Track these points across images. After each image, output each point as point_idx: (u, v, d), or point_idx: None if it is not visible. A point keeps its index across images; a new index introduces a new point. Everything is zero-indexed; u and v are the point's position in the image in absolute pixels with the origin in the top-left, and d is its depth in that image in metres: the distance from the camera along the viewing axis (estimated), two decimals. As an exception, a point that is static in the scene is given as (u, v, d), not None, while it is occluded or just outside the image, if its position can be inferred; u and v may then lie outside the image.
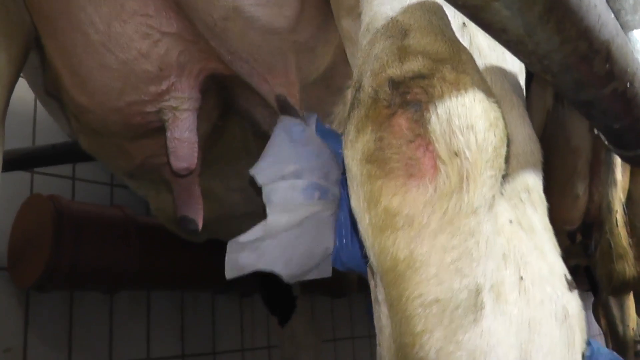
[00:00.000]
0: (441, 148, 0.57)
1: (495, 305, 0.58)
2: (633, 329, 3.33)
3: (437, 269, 0.56)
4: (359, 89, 0.64)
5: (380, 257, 0.58)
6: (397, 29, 0.65)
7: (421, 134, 0.58)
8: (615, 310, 3.34)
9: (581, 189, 2.45)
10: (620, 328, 3.33)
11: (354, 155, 0.62)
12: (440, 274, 0.56)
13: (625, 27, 1.02)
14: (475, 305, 0.56)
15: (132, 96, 1.32)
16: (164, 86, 1.31)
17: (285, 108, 1.29)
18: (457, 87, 0.59)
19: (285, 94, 1.29)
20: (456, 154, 0.57)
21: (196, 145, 1.36)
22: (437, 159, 0.58)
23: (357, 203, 0.61)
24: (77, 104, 1.38)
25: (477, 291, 0.56)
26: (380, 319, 0.63)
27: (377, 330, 0.65)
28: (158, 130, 1.40)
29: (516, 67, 0.81)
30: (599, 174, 2.47)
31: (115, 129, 1.42)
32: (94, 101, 1.34)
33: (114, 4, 1.23)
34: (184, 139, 1.34)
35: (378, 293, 0.62)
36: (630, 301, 3.30)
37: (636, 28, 1.05)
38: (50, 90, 1.55)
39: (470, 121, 0.58)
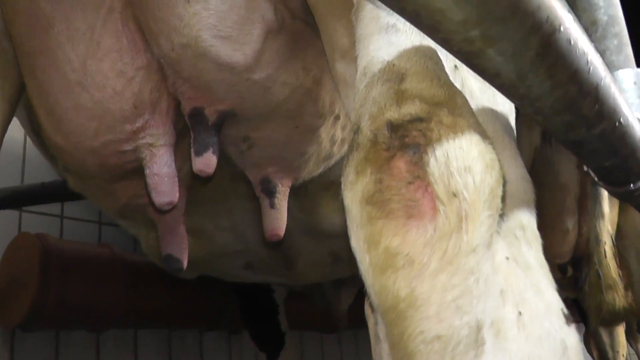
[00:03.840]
0: (440, 189, 0.59)
1: (496, 341, 0.59)
2: (623, 355, 3.33)
3: (438, 307, 0.57)
4: (357, 131, 0.66)
5: (381, 296, 0.59)
6: (393, 73, 0.67)
7: (420, 175, 0.60)
8: (605, 337, 3.35)
9: (570, 223, 2.48)
10: (610, 355, 3.34)
11: (353, 196, 0.63)
12: (442, 312, 0.57)
13: (611, 67, 1.05)
14: (476, 341, 0.57)
15: (108, 136, 1.31)
16: (139, 124, 1.31)
17: (197, 119, 1.31)
18: (454, 130, 0.61)
19: (204, 107, 1.31)
20: (455, 195, 0.59)
21: (176, 180, 1.36)
22: (436, 200, 0.59)
23: (357, 244, 0.63)
24: (53, 144, 1.38)
25: (478, 328, 0.57)
26: (381, 356, 0.64)
27: (378, 368, 0.66)
28: (137, 171, 1.40)
29: (507, 109, 0.83)
30: (587, 209, 2.51)
31: (92, 171, 1.41)
32: (69, 142, 1.33)
33: (90, 41, 1.24)
34: (163, 175, 1.34)
35: (379, 330, 0.63)
36: (620, 328, 3.31)
37: (621, 68, 1.08)
38: (36, 129, 1.56)
39: (468, 163, 0.60)
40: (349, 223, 0.65)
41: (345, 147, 1.52)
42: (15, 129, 1.86)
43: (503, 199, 0.63)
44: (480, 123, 0.65)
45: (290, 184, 1.53)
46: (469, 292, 0.57)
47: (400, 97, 0.64)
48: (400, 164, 0.60)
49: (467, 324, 0.57)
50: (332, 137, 1.48)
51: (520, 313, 0.63)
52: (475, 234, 0.58)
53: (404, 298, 0.58)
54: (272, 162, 1.48)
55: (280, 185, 1.51)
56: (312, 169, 1.54)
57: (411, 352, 0.57)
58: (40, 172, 2.56)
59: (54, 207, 2.71)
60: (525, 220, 0.73)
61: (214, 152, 1.31)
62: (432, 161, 0.60)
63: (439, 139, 0.60)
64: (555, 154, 2.40)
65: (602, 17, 1.13)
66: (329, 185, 1.70)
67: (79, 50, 1.24)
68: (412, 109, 0.62)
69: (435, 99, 0.63)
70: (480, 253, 0.59)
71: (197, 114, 1.31)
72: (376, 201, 0.61)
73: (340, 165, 1.53)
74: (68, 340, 2.61)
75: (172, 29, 1.19)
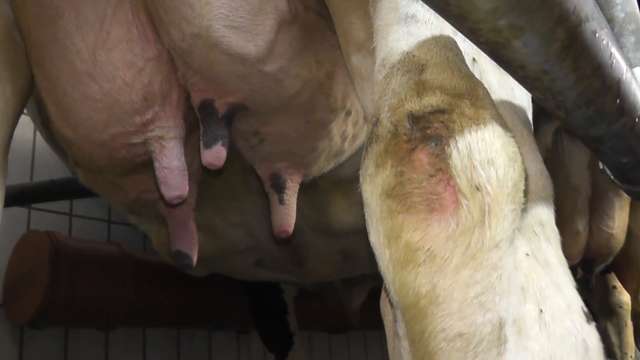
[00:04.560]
0: (462, 183, 0.58)
1: (518, 339, 0.58)
2: (631, 356, 3.31)
3: (460, 304, 0.56)
4: (376, 123, 0.65)
5: (401, 293, 0.58)
6: (413, 64, 0.65)
7: (442, 168, 0.59)
8: (614, 338, 3.33)
9: (581, 225, 2.46)
10: (618, 356, 3.32)
11: (373, 190, 0.62)
12: (464, 309, 0.55)
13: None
14: (498, 339, 0.56)
15: (117, 128, 1.30)
16: (148, 116, 1.29)
17: (206, 111, 1.29)
18: (477, 122, 0.60)
19: (215, 99, 1.29)
20: (477, 189, 0.58)
21: (186, 173, 1.35)
22: (459, 193, 0.58)
23: (377, 239, 0.61)
24: (62, 137, 1.37)
25: (501, 325, 0.56)
26: (401, 354, 0.62)
27: (396, 366, 0.65)
28: (146, 164, 1.38)
29: (525, 103, 0.82)
30: (599, 210, 2.49)
31: (101, 164, 1.40)
32: (78, 134, 1.32)
33: (100, 31, 1.22)
34: (173, 168, 1.33)
35: (398, 328, 0.62)
36: (629, 329, 3.29)
37: (638, 65, 1.07)
38: (46, 123, 1.55)
39: (491, 156, 0.59)
40: (368, 217, 0.63)
41: (356, 143, 1.50)
42: (25, 126, 1.86)
43: (525, 193, 0.61)
44: (501, 115, 0.64)
45: (299, 180, 1.52)
46: (491, 288, 0.56)
47: (420, 88, 0.62)
48: (422, 156, 0.59)
49: (489, 322, 0.56)
50: (343, 132, 1.46)
51: (541, 311, 0.61)
52: (498, 228, 0.57)
53: (425, 294, 0.56)
54: (282, 158, 1.46)
55: (289, 181, 1.49)
56: (322, 165, 1.52)
57: (432, 350, 0.56)
58: (50, 169, 2.56)
59: (63, 205, 2.70)
60: (545, 216, 0.71)
61: (223, 145, 1.29)
62: (454, 153, 0.59)
63: (461, 131, 0.59)
64: (567, 154, 2.38)
65: (619, 14, 1.12)
66: (339, 182, 1.69)
67: (89, 41, 1.22)
68: (433, 100, 0.61)
69: (456, 90, 0.62)
70: (503, 248, 0.58)
71: (207, 106, 1.29)
72: (397, 194, 0.60)
73: (350, 162, 1.51)
74: (77, 337, 2.61)
75: (183, 19, 1.17)
